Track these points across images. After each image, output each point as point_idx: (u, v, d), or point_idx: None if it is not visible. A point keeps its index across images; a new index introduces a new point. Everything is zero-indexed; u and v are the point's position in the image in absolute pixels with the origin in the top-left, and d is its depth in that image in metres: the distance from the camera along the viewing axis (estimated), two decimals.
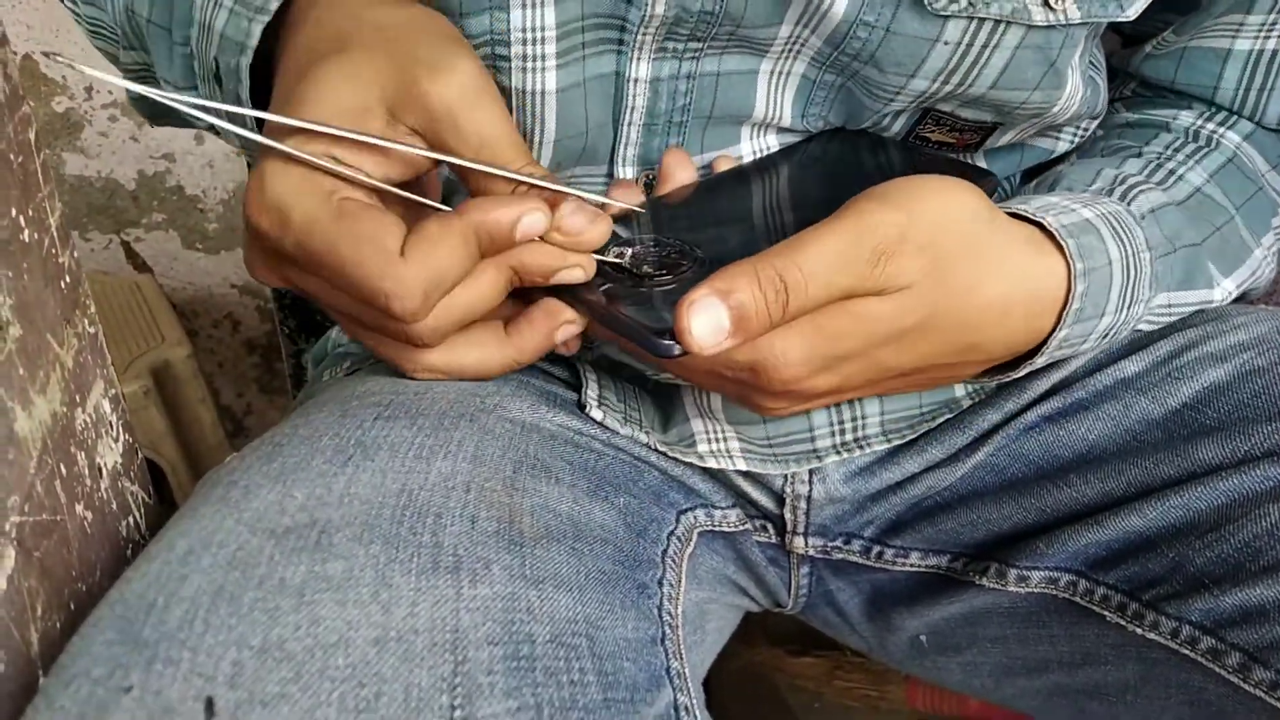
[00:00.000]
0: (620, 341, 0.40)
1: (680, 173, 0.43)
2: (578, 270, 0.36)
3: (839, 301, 0.34)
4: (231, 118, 0.38)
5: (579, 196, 0.37)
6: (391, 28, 0.36)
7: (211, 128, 0.42)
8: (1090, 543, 0.43)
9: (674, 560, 0.43)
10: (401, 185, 0.37)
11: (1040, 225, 0.38)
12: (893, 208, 0.34)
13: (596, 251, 0.37)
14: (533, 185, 0.36)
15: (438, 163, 0.37)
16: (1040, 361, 0.39)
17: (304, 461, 0.33)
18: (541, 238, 0.36)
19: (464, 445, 0.36)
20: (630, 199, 0.42)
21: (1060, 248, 0.37)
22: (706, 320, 0.31)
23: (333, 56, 0.35)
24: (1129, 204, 0.42)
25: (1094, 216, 0.39)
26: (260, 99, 0.40)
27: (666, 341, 0.33)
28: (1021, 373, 0.40)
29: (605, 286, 0.37)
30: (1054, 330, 0.38)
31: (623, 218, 0.41)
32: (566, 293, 0.38)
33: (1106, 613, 0.43)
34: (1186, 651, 0.40)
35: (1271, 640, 0.37)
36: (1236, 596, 0.38)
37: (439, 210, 0.37)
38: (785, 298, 0.32)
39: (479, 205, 0.35)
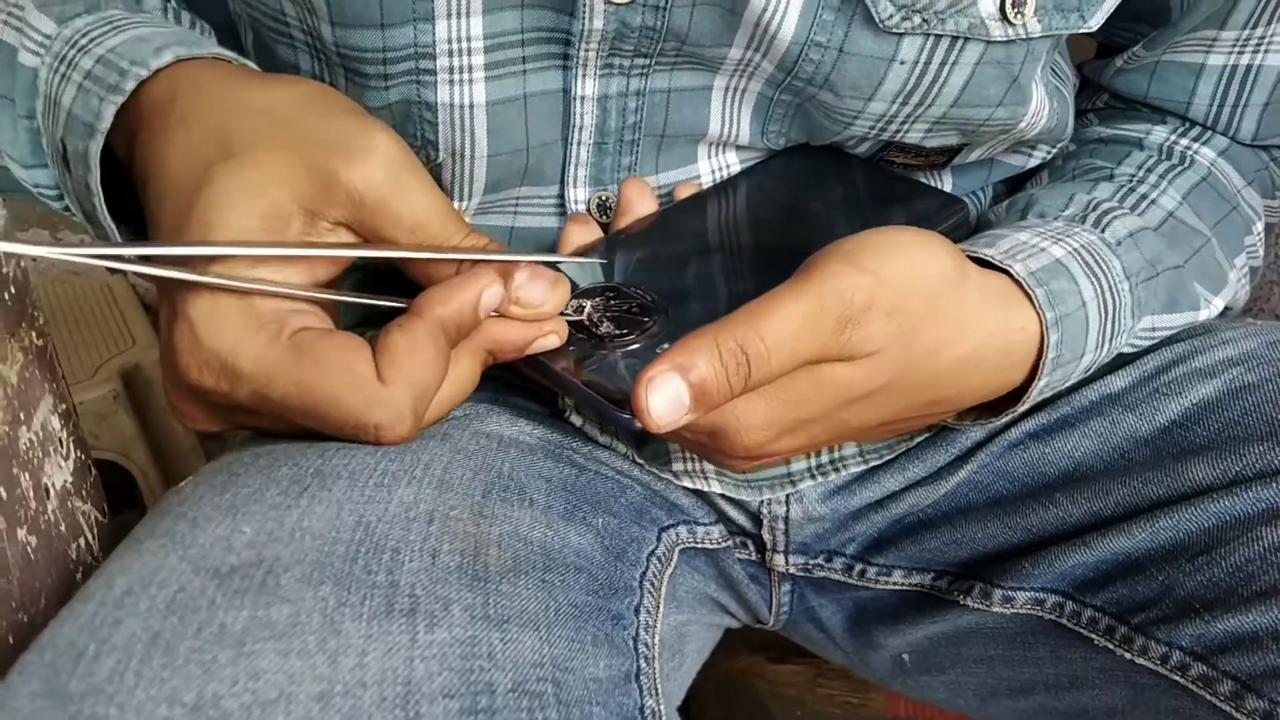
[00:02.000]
0: (575, 403, 0.39)
1: (640, 204, 0.41)
2: (552, 337, 0.35)
3: (804, 366, 0.32)
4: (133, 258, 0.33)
5: (529, 260, 0.35)
6: (278, 113, 0.33)
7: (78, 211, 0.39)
8: (1077, 564, 0.42)
9: (653, 583, 0.41)
10: (330, 282, 0.35)
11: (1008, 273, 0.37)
12: (860, 270, 0.32)
13: None
14: (480, 260, 0.34)
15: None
16: (1022, 409, 0.39)
17: (258, 493, 0.31)
18: (499, 311, 0.34)
19: (431, 468, 0.34)
20: (586, 237, 0.40)
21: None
22: (664, 396, 0.30)
23: (222, 164, 0.31)
24: (1103, 230, 0.42)
25: (1065, 255, 0.38)
26: (114, 191, 0.36)
27: (625, 416, 0.32)
28: (1002, 420, 0.40)
29: (559, 346, 0.35)
30: (1033, 380, 0.38)
31: (581, 258, 0.40)
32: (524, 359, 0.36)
33: (1094, 636, 0.42)
34: (1177, 678, 0.38)
35: (1265, 668, 0.36)
36: (1228, 622, 0.37)
37: (392, 306, 0.35)
38: (748, 370, 0.31)
39: (436, 298, 0.33)
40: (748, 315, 0.31)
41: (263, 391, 0.31)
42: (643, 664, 0.36)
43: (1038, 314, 0.37)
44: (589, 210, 0.43)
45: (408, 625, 0.29)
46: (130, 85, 0.33)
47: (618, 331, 0.35)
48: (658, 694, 0.35)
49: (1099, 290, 0.39)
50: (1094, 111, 0.54)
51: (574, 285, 0.37)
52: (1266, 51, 0.47)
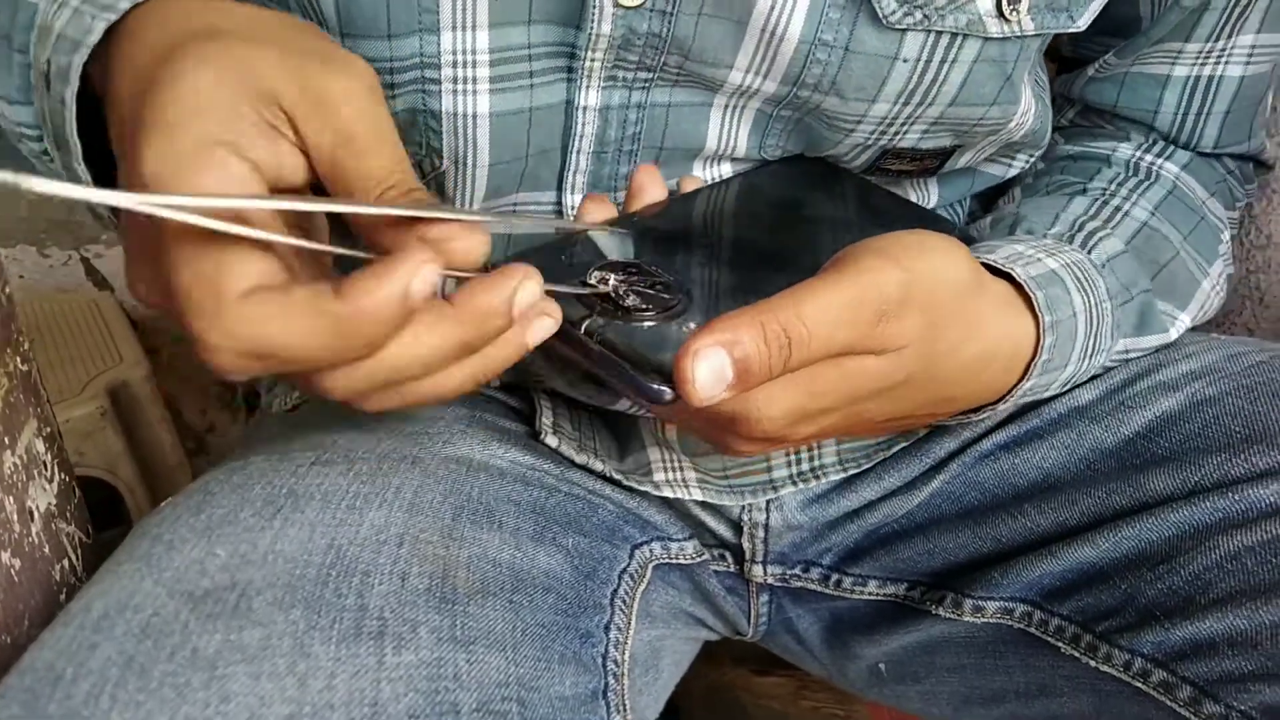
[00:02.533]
0: (596, 377, 0.37)
1: (651, 190, 0.41)
2: (547, 320, 0.32)
3: (833, 357, 0.33)
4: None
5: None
6: (266, 20, 0.32)
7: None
8: (1044, 573, 0.43)
9: (624, 601, 0.42)
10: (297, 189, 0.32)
11: (1010, 277, 0.38)
12: (898, 266, 0.33)
13: (578, 278, 0.35)
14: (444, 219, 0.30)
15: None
16: (1003, 409, 0.40)
17: (232, 514, 0.32)
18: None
19: (401, 492, 0.35)
20: (601, 214, 0.40)
21: (1030, 303, 0.38)
22: (709, 368, 0.30)
23: (195, 42, 0.30)
24: (1090, 251, 0.43)
25: (1059, 267, 0.40)
26: (90, 124, 0.34)
27: (657, 386, 0.32)
28: (982, 418, 0.41)
29: (585, 315, 0.34)
30: (1021, 380, 0.39)
31: (597, 233, 0.39)
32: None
33: (1061, 644, 0.42)
34: (1139, 684, 0.39)
35: (1221, 674, 0.37)
36: (1187, 629, 0.38)
37: (365, 258, 0.31)
38: (789, 353, 0.31)
39: (361, 285, 0.27)
40: (791, 299, 0.31)
41: (298, 359, 0.28)
42: (611, 681, 0.36)
43: (1035, 317, 0.38)
44: None
45: (376, 647, 0.29)
46: (125, 4, 0.33)
47: (643, 306, 0.35)
48: (625, 710, 0.36)
49: (1087, 304, 0.40)
50: (1060, 130, 0.56)
51: (598, 258, 0.37)
52: (1227, 63, 0.49)
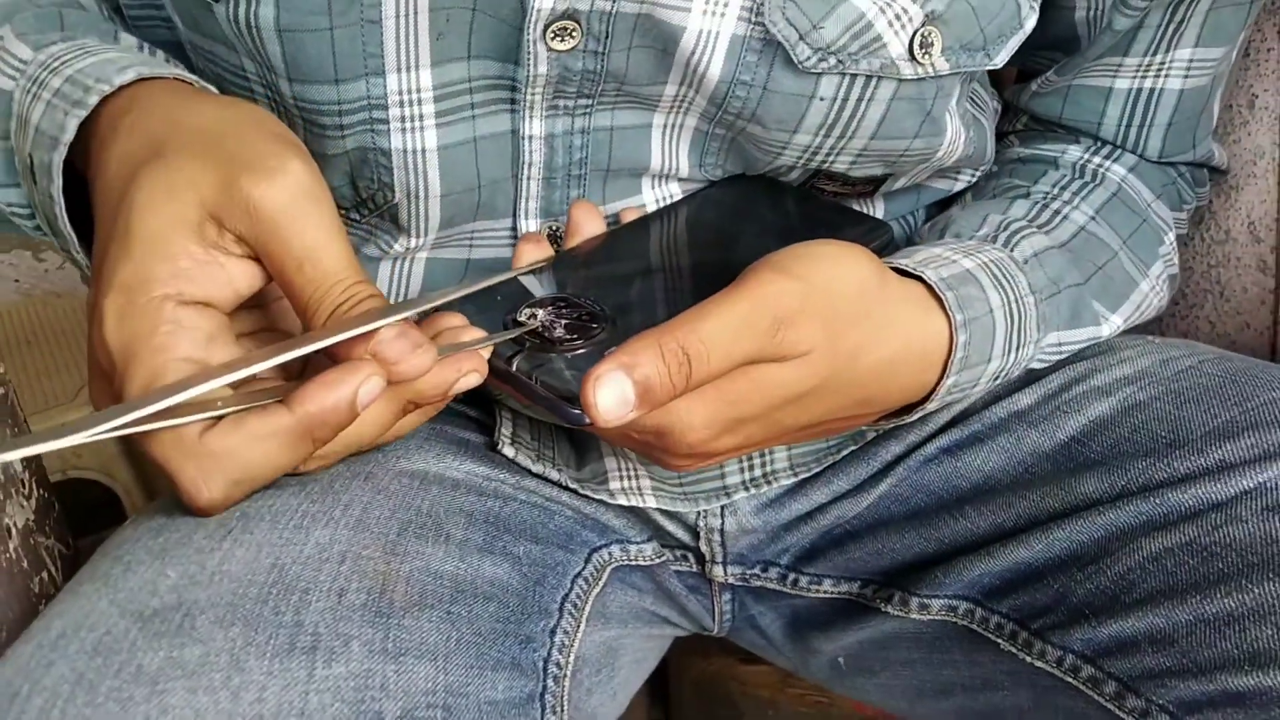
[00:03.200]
0: (530, 405, 0.39)
1: (588, 225, 0.43)
2: (473, 376, 0.35)
3: (741, 367, 0.35)
4: None
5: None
6: (211, 129, 0.35)
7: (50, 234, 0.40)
8: (984, 573, 0.45)
9: (575, 605, 0.44)
10: (250, 299, 0.35)
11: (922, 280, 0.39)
12: (791, 277, 0.35)
13: (509, 314, 0.38)
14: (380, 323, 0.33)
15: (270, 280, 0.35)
16: (931, 407, 0.41)
17: (186, 536, 0.34)
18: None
19: (350, 509, 0.37)
20: (538, 254, 0.42)
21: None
22: (611, 393, 0.32)
23: (145, 168, 0.33)
24: (1011, 249, 0.44)
25: (974, 266, 0.41)
26: (75, 201, 0.38)
27: (576, 411, 0.34)
28: (914, 418, 0.42)
29: (515, 352, 0.37)
30: (941, 379, 0.40)
31: (533, 273, 0.42)
32: None
33: (1000, 640, 0.44)
34: (1070, 679, 0.41)
35: (1143, 670, 0.39)
36: (1112, 627, 0.40)
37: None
38: (689, 369, 0.33)
39: (309, 395, 0.32)
40: (689, 318, 0.33)
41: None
42: (550, 684, 0.38)
43: (947, 317, 0.39)
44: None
45: (307, 661, 0.31)
46: (93, 100, 0.36)
47: (569, 337, 0.37)
48: (563, 711, 0.38)
49: (1005, 300, 0.41)
50: (1015, 133, 0.57)
51: (529, 296, 0.40)
52: (1167, 76, 0.50)
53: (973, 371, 0.41)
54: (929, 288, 0.39)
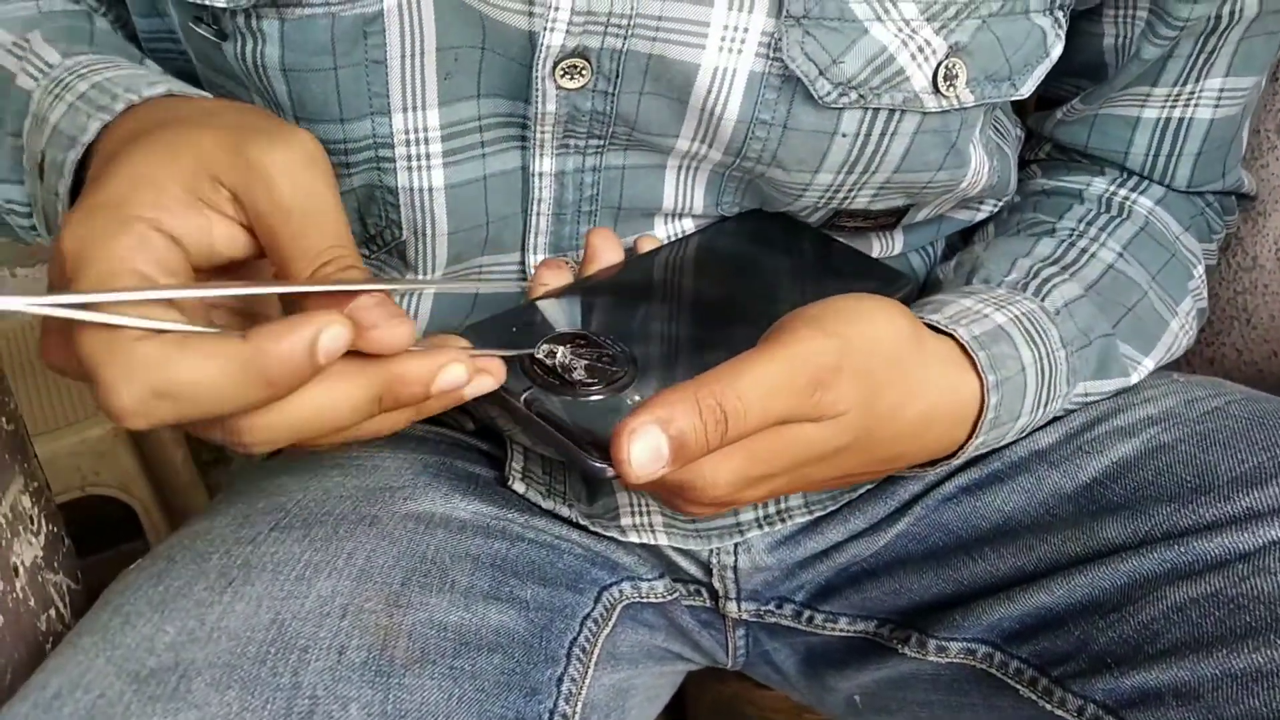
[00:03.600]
0: (543, 447, 0.37)
1: (606, 253, 0.42)
2: (486, 378, 0.33)
3: (773, 425, 0.34)
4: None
5: (383, 290, 0.31)
6: (217, 109, 0.33)
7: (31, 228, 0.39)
8: (1003, 616, 0.44)
9: (583, 649, 0.43)
10: (241, 262, 0.32)
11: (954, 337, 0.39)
12: (829, 335, 0.34)
13: (525, 347, 0.36)
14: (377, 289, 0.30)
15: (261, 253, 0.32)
16: (957, 463, 0.41)
17: (187, 586, 0.34)
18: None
19: (353, 558, 0.36)
20: (557, 281, 0.41)
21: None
22: (645, 447, 0.30)
23: (145, 135, 0.31)
24: (1043, 299, 0.43)
25: (1006, 321, 0.40)
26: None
27: (598, 464, 0.33)
28: (938, 471, 0.42)
29: (531, 391, 0.35)
30: (971, 437, 0.39)
31: (551, 301, 0.40)
32: (489, 399, 0.35)
33: (1020, 686, 0.43)
34: None
35: None
36: (1135, 678, 0.39)
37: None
38: (724, 426, 0.32)
39: (268, 330, 0.28)
40: (726, 373, 0.32)
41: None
42: None
43: (979, 376, 0.39)
44: None
45: None
46: (120, 107, 0.35)
47: (589, 380, 0.36)
48: None
49: (1037, 356, 0.41)
50: (1037, 162, 0.56)
51: (545, 323, 0.38)
52: (1197, 106, 0.49)
53: (1001, 429, 0.41)
54: (961, 345, 0.39)
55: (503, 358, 0.34)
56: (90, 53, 0.39)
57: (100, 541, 1.09)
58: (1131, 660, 0.39)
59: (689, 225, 0.46)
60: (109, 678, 0.31)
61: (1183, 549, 0.39)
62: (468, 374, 0.31)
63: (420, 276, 0.33)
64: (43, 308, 0.25)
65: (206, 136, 0.31)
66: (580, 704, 0.40)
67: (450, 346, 0.33)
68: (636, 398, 0.36)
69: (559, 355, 0.36)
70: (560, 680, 0.40)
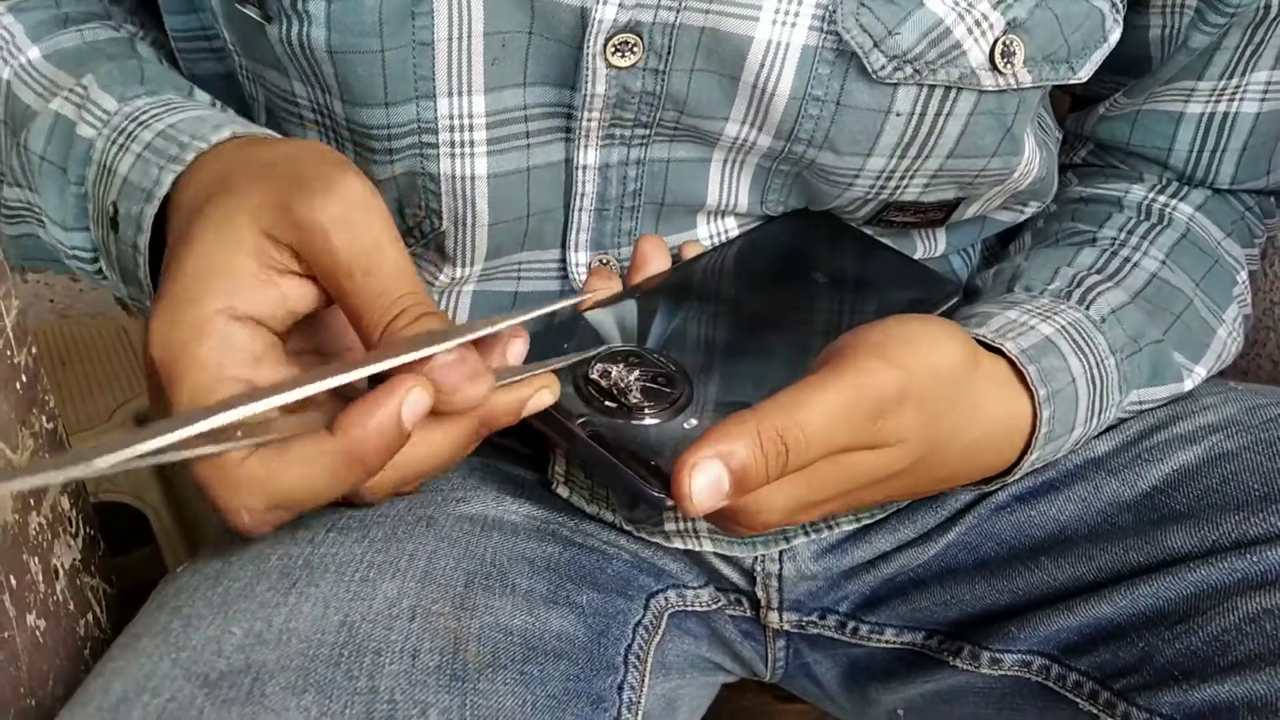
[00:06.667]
0: (595, 471, 0.37)
1: (655, 261, 0.42)
2: (545, 393, 0.33)
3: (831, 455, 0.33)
4: None
5: (461, 345, 0.32)
6: (270, 159, 0.34)
7: (99, 273, 0.40)
8: (1061, 628, 0.43)
9: (639, 656, 0.42)
10: (307, 317, 0.34)
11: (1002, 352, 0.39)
12: (889, 364, 0.33)
13: (579, 369, 0.36)
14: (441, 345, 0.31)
15: (329, 301, 0.33)
16: (1011, 480, 0.41)
17: (248, 588, 0.33)
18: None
19: (415, 559, 0.35)
20: (606, 288, 0.40)
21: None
22: (706, 481, 0.30)
23: (207, 203, 0.32)
24: (1088, 307, 0.43)
25: (1053, 332, 0.40)
26: (157, 250, 0.37)
27: (657, 495, 0.32)
28: (993, 489, 0.41)
29: (587, 415, 0.35)
30: (1026, 453, 0.39)
31: (601, 312, 0.40)
32: (543, 420, 0.35)
33: (1079, 700, 0.42)
34: None
35: None
36: (1205, 692, 0.38)
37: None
38: (785, 458, 0.31)
39: (352, 419, 0.30)
40: (787, 403, 0.32)
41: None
42: None
43: (1030, 391, 0.38)
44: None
45: None
46: (190, 156, 0.35)
47: (645, 402, 0.35)
48: None
49: (1087, 366, 0.40)
50: (1073, 169, 0.55)
51: (595, 335, 0.38)
52: (1242, 100, 0.48)
53: (1056, 443, 0.40)
54: (1011, 361, 0.38)
55: (555, 372, 0.34)
56: (144, 94, 0.40)
57: (111, 548, 1.08)
58: (1201, 673, 0.38)
59: (732, 224, 0.45)
60: (177, 680, 0.30)
61: (1255, 558, 0.38)
62: (552, 399, 0.33)
63: (492, 318, 0.33)
64: (149, 458, 0.26)
65: (259, 200, 0.32)
66: (640, 713, 0.40)
67: (514, 337, 0.34)
68: (694, 421, 0.35)
69: (614, 375, 0.36)
70: (621, 688, 0.39)
